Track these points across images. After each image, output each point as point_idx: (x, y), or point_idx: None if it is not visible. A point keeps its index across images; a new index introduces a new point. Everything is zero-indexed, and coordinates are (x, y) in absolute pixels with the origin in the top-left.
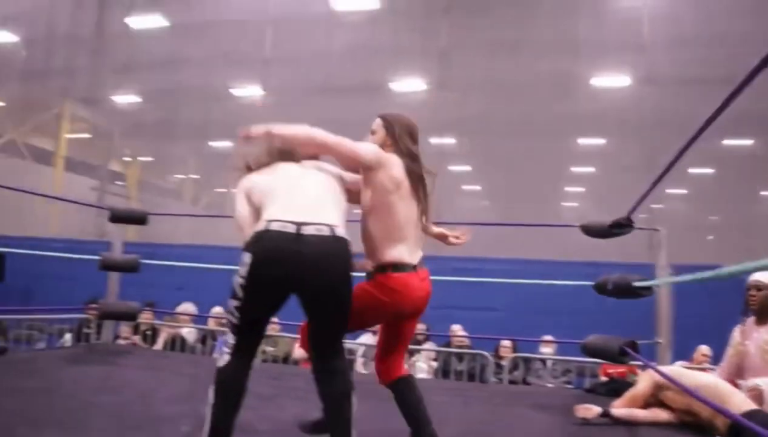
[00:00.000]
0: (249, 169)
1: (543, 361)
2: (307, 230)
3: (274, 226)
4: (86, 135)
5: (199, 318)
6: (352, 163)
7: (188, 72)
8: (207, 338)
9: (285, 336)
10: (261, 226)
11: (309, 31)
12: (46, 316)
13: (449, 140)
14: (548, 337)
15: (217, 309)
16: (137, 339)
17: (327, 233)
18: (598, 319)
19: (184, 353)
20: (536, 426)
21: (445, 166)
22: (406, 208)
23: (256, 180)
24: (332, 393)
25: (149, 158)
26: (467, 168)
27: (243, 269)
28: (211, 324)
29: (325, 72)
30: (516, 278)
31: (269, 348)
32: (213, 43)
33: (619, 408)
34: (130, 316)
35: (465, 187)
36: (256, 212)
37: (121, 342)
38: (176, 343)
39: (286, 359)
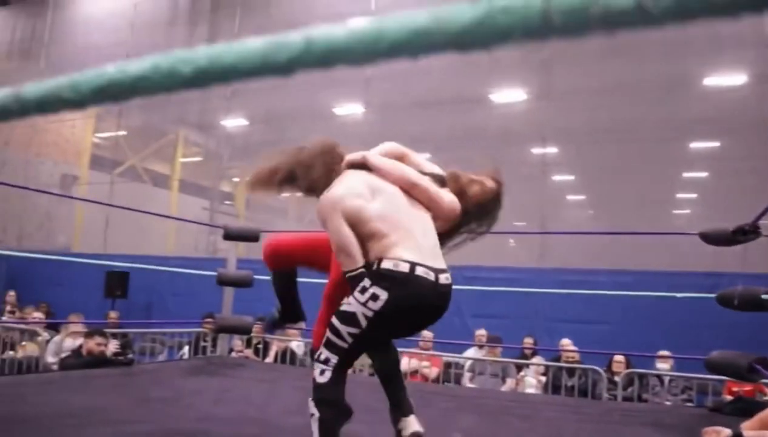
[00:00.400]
0: (289, 180)
1: (659, 377)
2: (442, 280)
3: (420, 271)
4: (198, 158)
5: (307, 332)
6: (431, 208)
7: (292, 94)
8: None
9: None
10: (401, 267)
11: None
12: (166, 330)
13: (552, 150)
14: (665, 352)
15: None
16: (249, 352)
17: (450, 281)
18: (718, 333)
19: (294, 366)
20: None
21: (548, 176)
22: None
23: (362, 204)
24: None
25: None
26: (571, 178)
27: (374, 304)
28: None
29: (426, 86)
30: (626, 290)
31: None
32: None
33: (750, 431)
34: (245, 330)
35: (570, 197)
36: (360, 236)
37: (234, 354)
38: (286, 356)
39: None
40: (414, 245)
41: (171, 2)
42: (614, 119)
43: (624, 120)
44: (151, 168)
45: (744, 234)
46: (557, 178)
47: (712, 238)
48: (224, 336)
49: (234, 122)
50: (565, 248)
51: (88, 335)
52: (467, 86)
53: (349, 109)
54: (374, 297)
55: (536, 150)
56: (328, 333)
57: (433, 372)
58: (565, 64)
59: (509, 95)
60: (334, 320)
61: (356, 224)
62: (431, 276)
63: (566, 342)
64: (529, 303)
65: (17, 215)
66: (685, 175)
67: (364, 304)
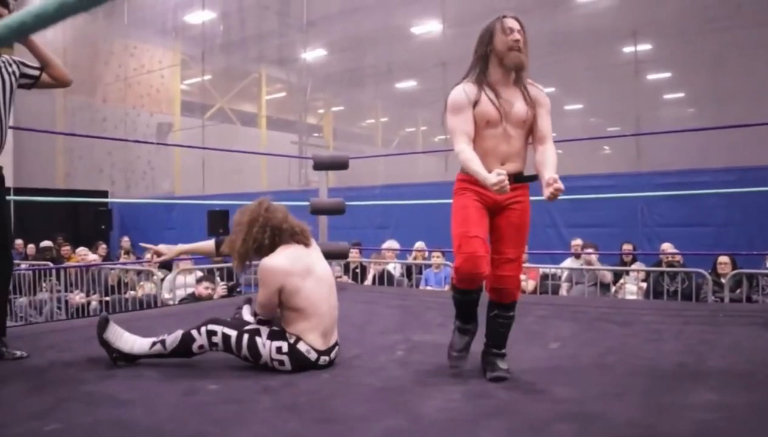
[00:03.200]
0: (251, 256)
1: None
2: (331, 356)
3: (320, 361)
4: (282, 94)
5: (402, 253)
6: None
7: (368, 18)
8: (412, 271)
9: None
10: (311, 355)
11: None
12: None
13: (645, 46)
14: None
15: (419, 244)
16: (347, 278)
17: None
18: None
19: (392, 286)
20: (763, 343)
21: (642, 75)
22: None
23: (297, 283)
24: None
25: (340, 108)
26: (667, 75)
27: (278, 364)
28: (413, 258)
29: None
30: (732, 187)
31: None
32: None
33: None
34: (342, 255)
35: (667, 96)
36: (286, 305)
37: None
38: (384, 278)
39: None
40: (323, 330)
41: None
42: (709, 6)
43: (720, 8)
44: (238, 108)
45: None
46: (652, 76)
47: None
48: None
49: (313, 54)
50: (665, 149)
51: (198, 281)
52: None
53: (427, 27)
54: (281, 362)
55: (627, 48)
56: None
57: (530, 284)
58: None
59: None
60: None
61: (287, 297)
62: (325, 362)
63: (666, 246)
64: (627, 209)
65: (123, 166)
66: None
67: (271, 358)
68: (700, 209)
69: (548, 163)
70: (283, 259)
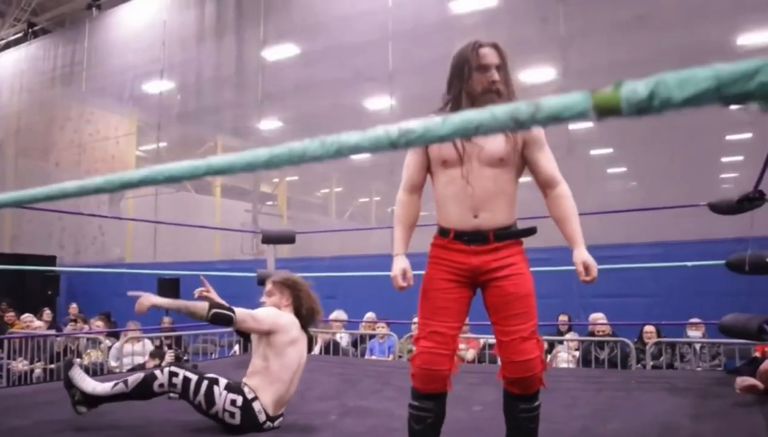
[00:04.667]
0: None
1: (691, 345)
2: (275, 424)
3: (266, 425)
4: None
5: (350, 324)
6: (411, 188)
7: (322, 94)
8: (358, 342)
9: None
10: (261, 417)
11: (428, 39)
12: (216, 330)
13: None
14: (695, 319)
15: (370, 315)
16: None
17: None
18: (754, 300)
19: (337, 355)
20: (663, 406)
21: (586, 151)
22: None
23: (288, 341)
24: None
25: (295, 178)
26: (609, 151)
27: (228, 416)
28: (363, 329)
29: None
30: (659, 261)
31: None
32: (341, 65)
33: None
34: None
35: (610, 170)
36: (266, 354)
37: None
38: (330, 347)
39: None
40: (279, 398)
41: (198, 17)
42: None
43: None
44: None
45: (750, 201)
46: (594, 152)
47: (720, 208)
48: None
49: (268, 125)
50: (600, 223)
51: (151, 355)
52: None
53: (377, 104)
54: (231, 414)
55: (571, 126)
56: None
57: (470, 353)
58: (585, 43)
59: (536, 75)
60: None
61: (272, 340)
62: (269, 427)
63: (597, 316)
64: (563, 281)
65: (73, 230)
66: (729, 137)
67: (224, 408)
68: (630, 282)
69: (567, 218)
70: (293, 318)
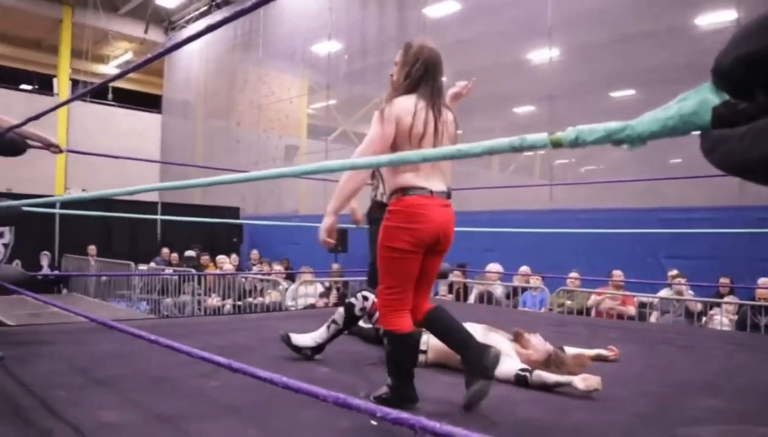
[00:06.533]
0: None
1: None
2: None
3: None
4: None
5: (505, 276)
6: (385, 145)
7: (482, 50)
8: (511, 294)
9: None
10: None
11: None
12: None
13: None
14: None
15: (524, 268)
16: (450, 297)
17: None
18: None
19: (491, 305)
20: None
21: None
22: (411, 145)
23: None
24: None
25: (459, 132)
26: None
27: None
28: (517, 281)
29: (618, 20)
30: None
31: (568, 302)
32: (501, 19)
33: None
34: (443, 275)
35: None
36: None
37: (438, 297)
38: (484, 298)
39: (581, 311)
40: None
41: None
42: None
43: None
44: (360, 131)
45: None
46: None
47: None
48: None
49: None
50: None
51: (320, 295)
52: (665, 14)
53: (538, 55)
54: None
55: None
56: None
57: (629, 310)
58: None
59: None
60: None
61: None
62: (425, 360)
63: (763, 281)
64: (728, 242)
65: (253, 185)
66: None
67: None
68: None
69: None
70: None
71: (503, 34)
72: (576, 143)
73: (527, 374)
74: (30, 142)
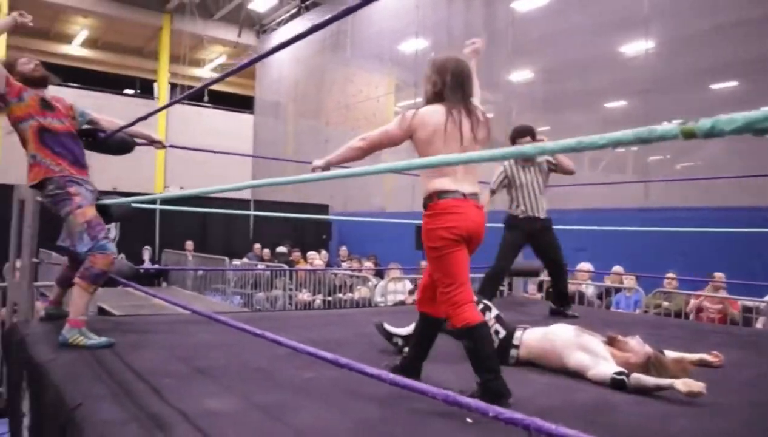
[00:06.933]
0: None
1: None
2: None
3: None
4: (489, 115)
5: (597, 276)
6: (392, 144)
7: (574, 42)
8: (603, 294)
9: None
10: None
11: None
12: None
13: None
14: None
15: (617, 268)
16: (540, 295)
17: None
18: None
19: (582, 305)
20: None
21: None
22: (447, 149)
23: None
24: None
25: (546, 128)
26: None
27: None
28: (609, 281)
29: (718, 8)
30: None
31: (665, 303)
32: (593, 10)
33: None
34: (533, 273)
35: None
36: None
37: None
38: (575, 298)
39: (679, 313)
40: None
41: None
42: None
43: None
44: None
45: None
46: None
47: None
48: (519, 280)
49: (519, 76)
50: None
51: (410, 292)
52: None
53: (632, 48)
54: (497, 332)
55: None
56: None
57: (735, 314)
58: None
59: None
60: None
61: None
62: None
63: None
64: None
65: (342, 182)
66: None
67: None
68: None
69: None
70: None
71: (595, 26)
72: (712, 133)
73: (624, 377)
74: (137, 140)
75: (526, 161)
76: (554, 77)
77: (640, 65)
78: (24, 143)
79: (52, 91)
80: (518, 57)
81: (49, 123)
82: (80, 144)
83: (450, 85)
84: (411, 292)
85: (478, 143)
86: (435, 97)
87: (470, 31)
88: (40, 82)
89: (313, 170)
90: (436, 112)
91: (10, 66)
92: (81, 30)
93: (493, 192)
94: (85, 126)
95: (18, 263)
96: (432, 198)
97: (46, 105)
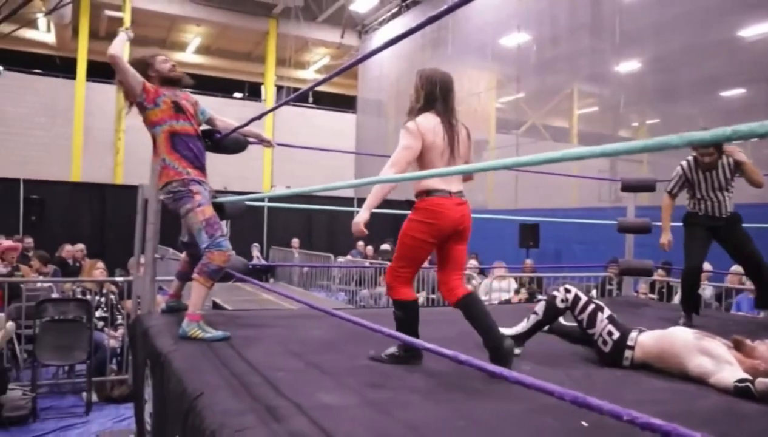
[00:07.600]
0: None
1: None
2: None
3: None
4: (594, 109)
5: (715, 276)
6: (414, 156)
7: (685, 29)
8: (723, 295)
9: None
10: None
11: None
12: (575, 274)
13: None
14: None
15: (736, 267)
16: (652, 296)
17: None
18: None
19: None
20: None
21: None
22: (443, 154)
23: None
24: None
25: (656, 120)
26: None
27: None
28: (729, 282)
29: None
30: None
31: None
32: None
33: None
34: (645, 272)
35: None
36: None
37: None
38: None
39: None
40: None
41: None
42: None
43: None
44: (550, 124)
45: None
46: None
47: None
48: (629, 279)
49: (626, 67)
50: None
51: (516, 291)
52: None
53: (755, 31)
54: (604, 341)
55: None
56: None
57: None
58: None
59: None
60: None
61: None
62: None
63: None
64: None
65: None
66: None
67: (601, 333)
68: None
69: None
70: None
71: (709, 10)
72: None
73: (749, 385)
74: (249, 139)
75: (707, 163)
76: (665, 66)
77: (762, 50)
78: (155, 144)
79: None
80: (625, 47)
81: (180, 127)
82: (203, 145)
83: (439, 96)
84: (516, 291)
85: (462, 152)
86: (425, 107)
87: (575, 21)
88: (176, 83)
89: (361, 231)
90: (432, 120)
91: (148, 63)
92: (194, 38)
93: (671, 195)
94: (204, 126)
95: (142, 259)
96: (421, 194)
97: (178, 108)
